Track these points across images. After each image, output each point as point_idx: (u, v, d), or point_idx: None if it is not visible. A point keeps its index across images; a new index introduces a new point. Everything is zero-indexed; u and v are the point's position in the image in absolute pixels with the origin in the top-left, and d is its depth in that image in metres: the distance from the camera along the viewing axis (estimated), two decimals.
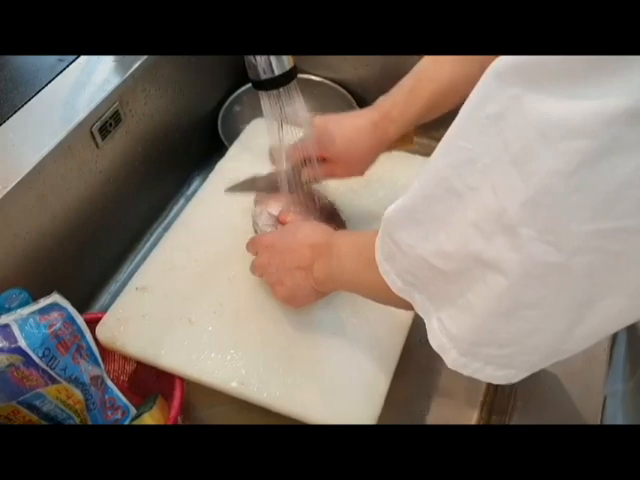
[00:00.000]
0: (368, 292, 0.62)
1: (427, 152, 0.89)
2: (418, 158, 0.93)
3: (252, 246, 0.76)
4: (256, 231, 0.81)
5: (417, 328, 0.86)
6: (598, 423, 0.62)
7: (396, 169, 0.91)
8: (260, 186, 0.84)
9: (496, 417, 0.75)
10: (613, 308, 0.37)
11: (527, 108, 0.34)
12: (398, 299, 0.51)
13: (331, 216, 0.82)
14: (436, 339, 0.47)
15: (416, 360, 0.84)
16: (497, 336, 0.42)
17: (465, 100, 0.71)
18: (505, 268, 0.38)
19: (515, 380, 0.45)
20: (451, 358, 0.46)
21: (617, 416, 0.65)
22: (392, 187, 0.90)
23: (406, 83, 0.73)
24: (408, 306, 0.51)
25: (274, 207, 0.82)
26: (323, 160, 0.77)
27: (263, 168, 0.85)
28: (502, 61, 0.36)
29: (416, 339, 0.85)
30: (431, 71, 0.72)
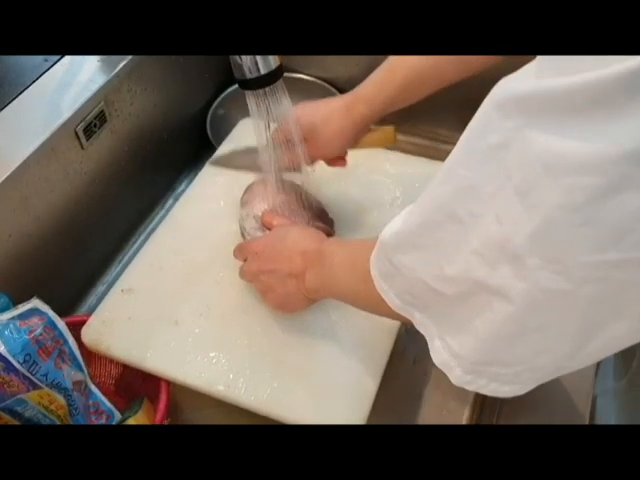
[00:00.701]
0: (363, 305, 0.62)
1: (411, 150, 0.90)
2: (407, 157, 0.93)
3: (240, 252, 0.75)
4: (243, 235, 0.80)
5: (405, 330, 0.86)
6: (587, 421, 0.62)
7: (384, 167, 0.91)
8: (245, 163, 0.83)
9: (486, 416, 0.75)
10: (619, 331, 0.37)
11: (530, 141, 0.33)
12: (395, 313, 0.51)
13: (319, 215, 0.82)
14: (439, 356, 0.46)
15: (405, 361, 0.84)
16: (502, 357, 0.42)
17: (435, 88, 0.72)
18: (511, 295, 0.37)
19: (521, 393, 0.45)
20: (455, 376, 0.45)
21: (609, 415, 0.65)
22: (379, 186, 0.89)
23: (381, 68, 0.74)
24: (407, 320, 0.50)
25: (261, 209, 0.80)
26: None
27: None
28: (502, 92, 0.36)
29: (405, 341, 0.85)
30: (405, 60, 0.72)
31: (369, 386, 0.68)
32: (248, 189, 0.85)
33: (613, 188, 0.30)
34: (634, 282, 0.34)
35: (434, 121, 1.11)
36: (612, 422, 0.64)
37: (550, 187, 0.33)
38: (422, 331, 0.48)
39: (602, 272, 0.33)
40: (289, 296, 0.69)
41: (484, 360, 0.43)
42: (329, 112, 0.75)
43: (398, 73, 0.72)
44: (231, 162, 0.86)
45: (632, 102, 0.29)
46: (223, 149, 0.94)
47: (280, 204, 0.80)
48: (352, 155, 0.81)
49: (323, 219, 0.82)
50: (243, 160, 0.84)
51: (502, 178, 0.35)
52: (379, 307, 0.53)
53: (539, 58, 0.34)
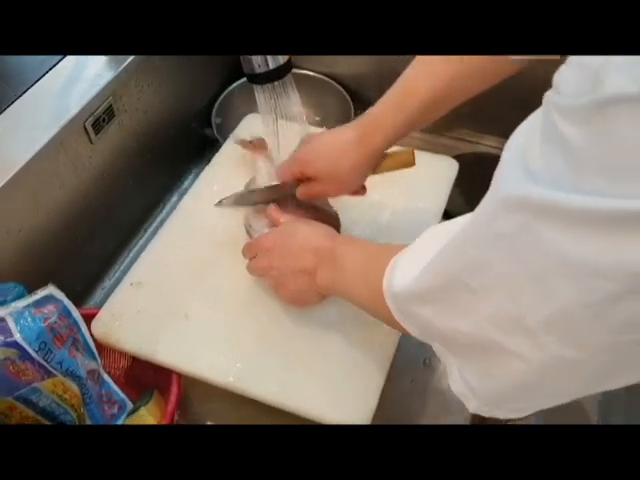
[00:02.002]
0: (378, 317, 0.61)
1: (410, 143, 0.90)
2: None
3: (249, 250, 0.74)
4: (249, 232, 0.80)
5: None
6: (596, 418, 0.62)
7: None
8: (250, 201, 0.82)
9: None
10: (630, 379, 0.38)
11: (541, 237, 0.33)
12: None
13: (322, 208, 0.82)
14: (457, 386, 0.47)
15: (411, 356, 0.85)
16: (518, 399, 0.44)
17: (450, 107, 0.69)
18: (527, 359, 0.39)
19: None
20: (472, 406, 0.47)
21: (611, 411, 0.65)
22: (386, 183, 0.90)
23: (393, 93, 0.68)
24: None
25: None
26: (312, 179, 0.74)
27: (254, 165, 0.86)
28: (504, 187, 0.36)
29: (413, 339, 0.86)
30: (420, 80, 0.66)
31: (376, 378, 0.68)
32: (251, 183, 0.85)
33: (625, 292, 0.31)
34: None
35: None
36: (612, 422, 0.64)
37: (563, 283, 0.33)
38: (441, 359, 0.49)
39: (615, 347, 0.35)
40: (301, 292, 0.69)
41: (501, 400, 0.45)
42: (342, 148, 0.69)
43: (415, 94, 0.66)
44: (235, 202, 0.85)
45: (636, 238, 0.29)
46: (226, 147, 0.95)
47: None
48: None
49: (327, 212, 0.82)
50: (248, 199, 0.84)
51: (514, 262, 0.36)
52: (392, 323, 0.53)
53: (546, 151, 0.33)
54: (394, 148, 0.72)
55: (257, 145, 0.88)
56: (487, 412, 0.47)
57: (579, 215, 0.31)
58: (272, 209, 0.77)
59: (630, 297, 0.31)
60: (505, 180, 0.36)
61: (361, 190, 0.76)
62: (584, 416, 0.59)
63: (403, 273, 0.49)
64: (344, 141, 0.69)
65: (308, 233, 0.69)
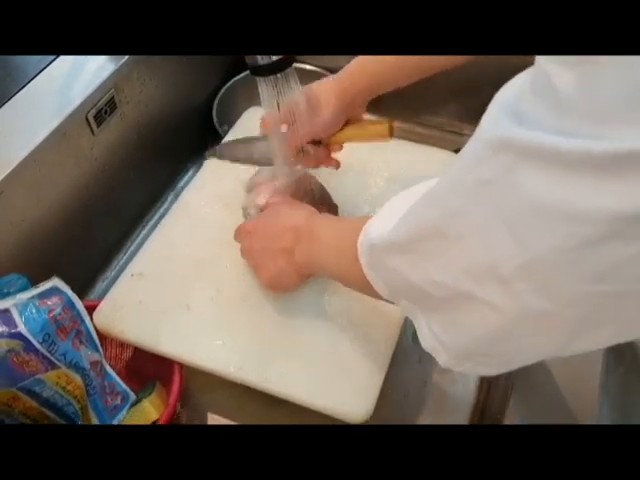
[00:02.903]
0: (352, 285, 0.63)
1: (411, 137, 0.90)
2: (407, 144, 0.94)
3: (238, 234, 0.76)
4: (246, 219, 0.81)
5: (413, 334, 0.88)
6: (595, 415, 0.63)
7: (387, 157, 0.92)
8: (242, 155, 0.84)
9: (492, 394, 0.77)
10: (605, 335, 0.38)
11: (520, 181, 0.34)
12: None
13: (322, 200, 0.82)
14: (427, 341, 0.48)
15: (412, 347, 0.85)
16: (488, 351, 0.44)
17: (428, 73, 0.71)
18: (499, 308, 0.39)
19: (505, 371, 0.47)
20: (443, 360, 0.47)
21: (603, 407, 0.66)
22: (382, 173, 0.90)
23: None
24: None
25: (265, 194, 0.81)
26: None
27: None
28: (490, 129, 0.36)
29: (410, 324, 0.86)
30: None
31: (379, 368, 0.69)
32: (254, 175, 0.86)
33: (603, 238, 0.31)
34: (620, 305, 0.35)
35: (428, 108, 1.12)
36: (604, 413, 0.65)
37: (542, 230, 0.33)
38: (409, 317, 0.50)
39: (589, 300, 0.35)
40: (281, 272, 0.70)
41: (471, 352, 0.45)
42: (322, 88, 0.75)
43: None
44: (230, 154, 0.86)
45: (631, 175, 0.29)
46: (227, 140, 0.95)
47: (284, 189, 0.81)
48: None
49: (327, 204, 0.83)
50: (241, 152, 0.84)
51: (490, 209, 0.36)
52: (367, 289, 0.54)
53: (534, 98, 0.34)
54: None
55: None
56: (456, 365, 0.47)
57: (562, 157, 0.31)
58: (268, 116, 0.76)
59: (607, 243, 0.31)
60: (490, 124, 0.37)
61: (333, 161, 0.80)
62: (582, 415, 0.60)
63: (379, 225, 0.50)
64: (323, 86, 0.76)
65: (289, 213, 0.71)
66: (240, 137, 0.87)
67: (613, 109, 0.29)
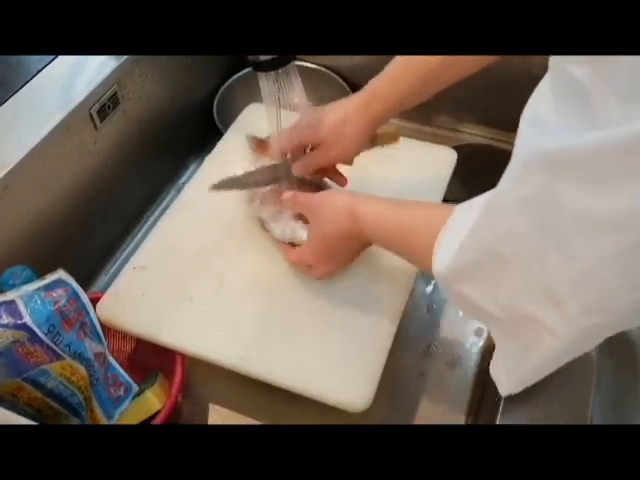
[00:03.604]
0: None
1: (410, 135, 0.90)
2: (407, 141, 0.95)
3: (299, 266, 0.76)
4: (264, 227, 0.81)
5: (414, 307, 0.89)
6: (587, 407, 0.64)
7: (386, 153, 0.92)
8: (244, 183, 0.82)
9: (489, 392, 0.77)
10: None
11: (558, 195, 0.34)
12: None
13: (318, 186, 0.82)
14: (495, 370, 0.51)
15: (412, 338, 0.86)
16: (542, 373, 0.48)
17: (452, 81, 0.71)
18: (555, 332, 0.40)
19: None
20: (505, 390, 0.51)
21: (594, 400, 0.67)
22: (387, 172, 0.91)
23: (396, 63, 0.72)
24: None
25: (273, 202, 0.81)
26: (312, 149, 0.76)
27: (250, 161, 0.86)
28: (521, 147, 0.38)
29: (412, 318, 0.88)
30: None
31: (377, 359, 0.70)
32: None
33: None
34: None
35: (428, 106, 1.13)
36: (597, 405, 0.65)
37: (584, 242, 0.34)
38: (494, 339, 0.51)
39: (637, 304, 0.36)
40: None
41: (529, 378, 0.49)
42: (347, 114, 0.72)
43: (414, 68, 0.70)
44: (230, 185, 0.85)
45: None
46: (228, 136, 0.96)
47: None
48: None
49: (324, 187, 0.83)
50: (242, 181, 0.83)
51: (538, 227, 0.37)
52: None
53: (560, 103, 0.35)
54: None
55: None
56: (514, 390, 0.50)
57: (592, 158, 0.32)
58: (288, 195, 0.76)
59: None
60: (523, 142, 0.38)
61: (341, 178, 0.80)
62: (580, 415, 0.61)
63: (443, 253, 0.51)
64: (351, 106, 0.72)
65: (330, 227, 0.69)
66: (245, 172, 0.84)
67: (633, 87, 0.30)
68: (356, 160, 0.83)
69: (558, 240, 0.36)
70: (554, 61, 0.35)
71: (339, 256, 0.71)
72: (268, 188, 0.82)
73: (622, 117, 0.30)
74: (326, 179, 0.82)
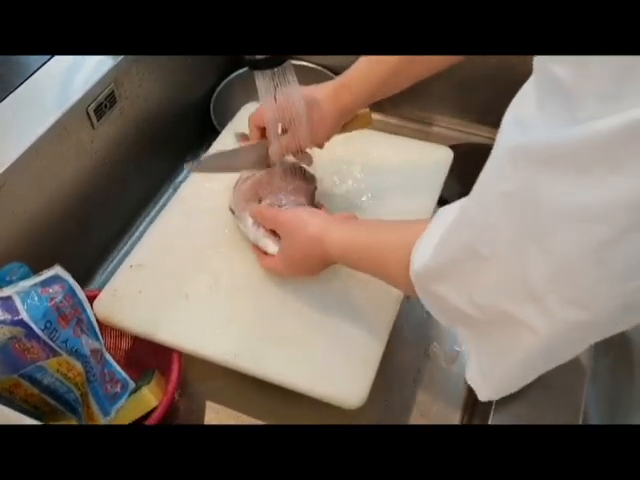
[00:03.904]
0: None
1: (386, 129, 0.90)
2: (401, 139, 0.96)
3: (268, 266, 0.77)
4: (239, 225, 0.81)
5: (408, 306, 0.89)
6: (583, 402, 0.64)
7: (382, 151, 0.93)
8: (227, 166, 0.82)
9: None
10: (633, 322, 0.40)
11: (539, 189, 0.35)
12: None
13: (299, 175, 0.83)
14: (471, 374, 0.50)
15: (407, 337, 0.87)
16: (524, 374, 0.47)
17: (425, 74, 0.73)
18: (535, 328, 0.40)
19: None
20: (483, 395, 0.50)
21: (590, 395, 0.67)
22: (382, 170, 0.92)
23: (368, 56, 0.74)
24: None
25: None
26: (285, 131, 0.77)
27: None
28: (504, 143, 0.38)
29: (407, 317, 0.88)
30: None
31: (373, 356, 0.70)
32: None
33: (621, 232, 0.32)
34: None
35: (422, 104, 1.14)
36: (593, 401, 0.66)
37: (562, 234, 0.35)
38: (464, 345, 0.51)
39: (620, 298, 0.36)
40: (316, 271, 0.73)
41: (507, 379, 0.48)
42: (320, 97, 0.75)
43: (383, 62, 0.72)
44: (208, 167, 0.84)
45: (630, 157, 0.31)
46: (225, 135, 0.96)
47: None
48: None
49: (303, 177, 0.83)
50: (220, 163, 0.83)
51: (518, 223, 0.38)
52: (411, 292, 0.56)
53: (544, 101, 0.35)
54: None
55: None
56: (495, 396, 0.51)
57: (573, 151, 0.32)
58: (255, 210, 0.77)
59: (627, 237, 0.32)
60: (505, 139, 0.38)
61: (309, 157, 0.81)
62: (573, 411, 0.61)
63: (421, 253, 0.51)
64: (318, 95, 0.75)
65: (301, 251, 0.70)
66: (218, 151, 0.85)
67: (613, 88, 0.31)
68: (354, 159, 0.83)
69: (538, 235, 0.36)
70: (538, 61, 0.36)
71: (309, 270, 0.73)
72: (249, 174, 0.83)
73: (600, 113, 0.31)
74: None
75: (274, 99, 0.75)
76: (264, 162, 0.80)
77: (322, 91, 0.76)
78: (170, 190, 1.10)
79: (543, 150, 0.34)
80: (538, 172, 0.35)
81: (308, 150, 0.80)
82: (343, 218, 0.70)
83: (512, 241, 0.39)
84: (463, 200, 0.46)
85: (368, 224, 0.68)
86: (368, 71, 0.74)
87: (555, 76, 0.34)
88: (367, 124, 0.82)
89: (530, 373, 0.47)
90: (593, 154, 0.32)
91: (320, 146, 0.80)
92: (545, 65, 0.35)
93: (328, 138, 0.79)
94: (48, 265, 0.70)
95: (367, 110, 0.81)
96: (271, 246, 0.75)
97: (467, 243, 0.43)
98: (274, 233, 0.75)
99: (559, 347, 0.42)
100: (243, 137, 0.87)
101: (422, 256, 0.50)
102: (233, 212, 0.82)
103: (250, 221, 0.78)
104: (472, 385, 0.50)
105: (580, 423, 0.58)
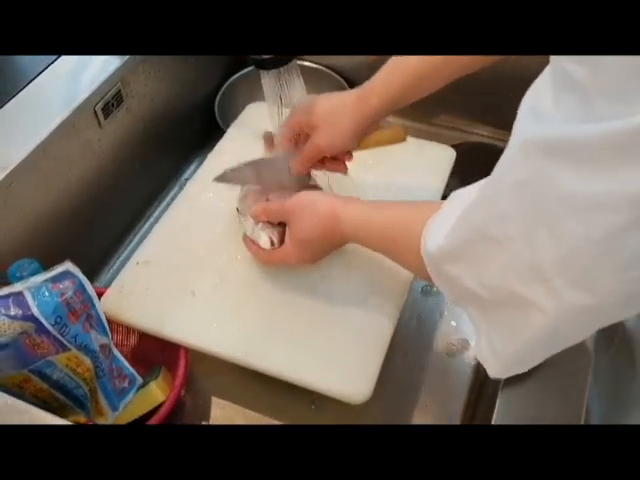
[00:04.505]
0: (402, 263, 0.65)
1: (420, 136, 0.91)
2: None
3: (269, 259, 0.76)
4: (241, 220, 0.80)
5: (413, 302, 0.90)
6: (585, 398, 0.65)
7: (385, 150, 0.93)
8: (248, 176, 0.81)
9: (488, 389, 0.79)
10: (635, 311, 0.42)
11: (552, 178, 0.36)
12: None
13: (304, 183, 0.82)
14: (481, 350, 0.51)
15: (411, 334, 0.88)
16: (533, 354, 0.49)
17: (448, 80, 0.72)
18: (543, 308, 0.42)
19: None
20: (493, 371, 0.52)
21: (592, 391, 0.68)
22: (385, 170, 0.92)
23: (392, 61, 0.73)
24: None
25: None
26: (307, 136, 0.76)
27: (256, 152, 0.86)
28: (519, 133, 0.39)
29: (411, 314, 0.89)
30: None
31: (377, 352, 0.71)
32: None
33: (628, 225, 0.34)
34: None
35: (427, 104, 1.15)
36: (594, 395, 0.66)
37: (571, 222, 0.36)
38: (473, 324, 0.53)
39: (626, 285, 0.37)
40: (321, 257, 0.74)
41: (518, 359, 0.50)
42: (343, 103, 0.73)
43: (407, 67, 0.70)
44: (234, 177, 0.82)
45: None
46: (230, 134, 0.97)
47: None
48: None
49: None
50: (246, 173, 0.81)
51: (530, 209, 0.39)
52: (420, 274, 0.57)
53: (559, 97, 0.36)
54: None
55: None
56: (504, 374, 0.52)
57: (586, 144, 0.34)
58: (257, 209, 0.76)
59: (633, 230, 0.34)
60: (521, 129, 0.39)
61: (342, 166, 0.79)
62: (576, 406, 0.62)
63: (434, 234, 0.52)
64: (344, 101, 0.73)
65: (313, 230, 0.70)
66: (248, 161, 0.82)
67: (627, 89, 0.32)
68: (356, 158, 0.84)
69: (548, 221, 0.38)
70: (554, 58, 0.37)
71: (321, 255, 0.73)
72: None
73: (614, 113, 0.32)
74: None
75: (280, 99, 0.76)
76: (286, 176, 0.79)
77: (345, 97, 0.74)
78: (176, 188, 1.11)
79: (557, 142, 0.36)
80: (551, 162, 0.36)
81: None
82: (349, 198, 0.70)
83: (523, 225, 0.40)
84: (480, 183, 0.47)
85: (380, 204, 0.67)
86: (392, 75, 0.72)
87: (570, 74, 0.35)
88: (400, 139, 0.79)
89: (538, 354, 0.49)
90: (607, 150, 0.33)
91: (348, 155, 0.78)
92: (560, 63, 0.36)
93: (353, 146, 0.76)
94: (56, 263, 0.71)
95: (400, 126, 0.79)
96: (264, 238, 0.74)
97: (481, 226, 0.44)
98: (278, 225, 0.74)
99: (566, 328, 0.43)
100: (268, 138, 0.86)
101: (435, 237, 0.52)
102: (239, 211, 0.82)
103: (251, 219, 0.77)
104: (482, 362, 0.52)
105: (582, 421, 0.59)
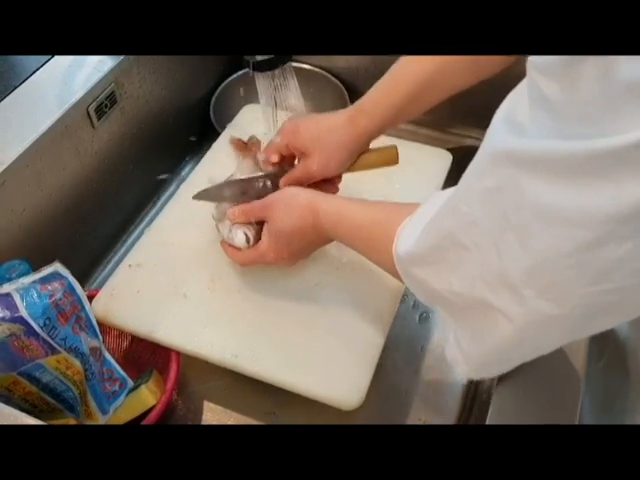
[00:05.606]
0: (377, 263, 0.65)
1: (403, 136, 0.90)
2: (399, 142, 0.95)
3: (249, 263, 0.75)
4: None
5: (406, 306, 0.89)
6: (577, 405, 0.64)
7: None
8: (228, 195, 0.78)
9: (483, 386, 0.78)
10: (610, 322, 0.42)
11: (523, 188, 0.36)
12: None
13: None
14: (450, 350, 0.51)
15: (406, 336, 0.87)
16: (502, 359, 0.49)
17: (439, 99, 0.71)
18: (511, 316, 0.42)
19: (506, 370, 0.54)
20: (462, 370, 0.51)
21: (584, 398, 0.68)
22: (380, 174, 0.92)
23: (383, 81, 0.71)
24: None
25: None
26: (297, 160, 0.75)
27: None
28: (492, 142, 0.39)
29: (405, 317, 0.88)
30: (409, 68, 0.69)
31: (371, 355, 0.71)
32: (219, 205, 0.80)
33: (598, 240, 0.34)
34: (623, 299, 0.38)
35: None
36: (586, 406, 0.66)
37: (542, 233, 0.36)
38: (443, 323, 0.53)
39: (593, 299, 0.37)
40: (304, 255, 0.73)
41: (488, 361, 0.50)
42: (332, 126, 0.71)
43: (401, 84, 0.69)
44: (213, 196, 0.80)
45: (619, 174, 0.31)
46: (224, 136, 0.96)
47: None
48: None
49: None
50: (226, 192, 0.79)
51: (500, 217, 0.39)
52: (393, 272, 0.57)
53: (533, 112, 0.36)
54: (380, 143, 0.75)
55: (250, 147, 0.84)
56: (475, 375, 0.52)
57: (559, 161, 0.33)
58: (234, 211, 0.74)
59: (603, 245, 0.34)
60: (494, 137, 0.39)
61: (333, 187, 0.77)
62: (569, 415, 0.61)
63: (405, 237, 0.52)
64: (335, 120, 0.71)
65: (292, 223, 0.68)
66: (229, 179, 0.81)
67: (596, 110, 0.32)
68: None
69: (518, 230, 0.38)
70: (528, 71, 0.37)
71: (299, 252, 0.72)
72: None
73: (584, 133, 0.32)
74: None
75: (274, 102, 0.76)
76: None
77: (337, 117, 0.72)
78: (169, 190, 1.10)
79: (530, 155, 0.35)
80: (523, 173, 0.36)
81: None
82: (331, 194, 0.70)
83: (492, 233, 0.40)
84: (450, 190, 0.47)
85: (362, 201, 0.66)
86: (383, 95, 0.70)
87: (543, 91, 0.34)
88: (393, 162, 0.76)
89: (507, 359, 0.49)
90: (578, 167, 0.33)
91: (338, 177, 0.76)
92: (533, 79, 0.35)
93: (343, 168, 0.74)
94: (47, 263, 0.71)
95: (394, 145, 0.75)
96: (239, 235, 0.72)
97: (450, 233, 0.44)
98: (255, 224, 0.72)
99: (532, 337, 0.43)
100: (237, 142, 0.85)
101: (406, 240, 0.52)
102: (214, 217, 0.79)
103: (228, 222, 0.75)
104: (451, 361, 0.52)
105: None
